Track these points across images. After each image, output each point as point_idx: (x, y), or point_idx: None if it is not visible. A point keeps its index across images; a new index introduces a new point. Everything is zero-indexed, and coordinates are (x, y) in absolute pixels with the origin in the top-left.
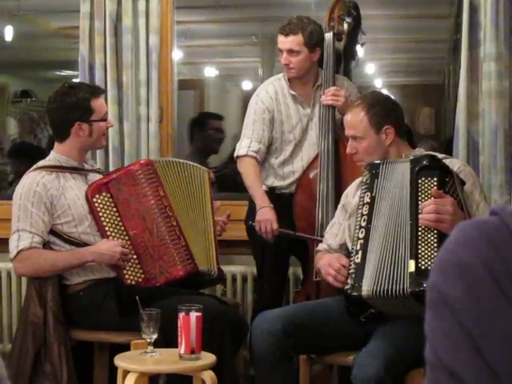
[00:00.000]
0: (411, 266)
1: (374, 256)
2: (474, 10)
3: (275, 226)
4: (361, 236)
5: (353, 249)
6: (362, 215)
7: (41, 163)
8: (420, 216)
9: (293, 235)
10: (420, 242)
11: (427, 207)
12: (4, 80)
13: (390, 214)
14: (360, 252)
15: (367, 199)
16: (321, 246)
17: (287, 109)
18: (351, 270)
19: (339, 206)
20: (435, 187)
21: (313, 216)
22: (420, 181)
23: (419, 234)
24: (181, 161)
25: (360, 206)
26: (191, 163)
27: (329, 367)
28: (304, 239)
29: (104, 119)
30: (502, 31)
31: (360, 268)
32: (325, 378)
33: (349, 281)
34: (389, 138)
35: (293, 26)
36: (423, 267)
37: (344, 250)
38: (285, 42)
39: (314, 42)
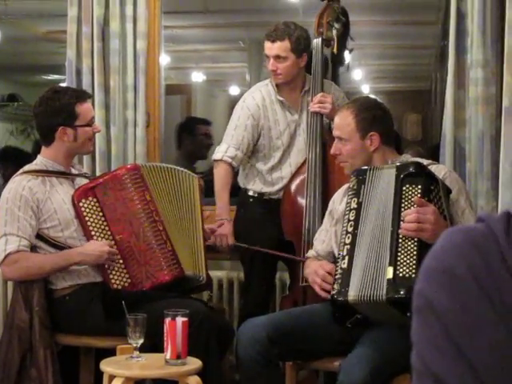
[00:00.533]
0: (389, 272)
1: (360, 262)
2: (461, 17)
3: (230, 241)
4: (347, 241)
5: (339, 254)
6: (349, 221)
7: (27, 167)
8: (401, 224)
9: (248, 248)
10: (400, 250)
11: (409, 216)
12: None
13: (376, 219)
14: (346, 257)
15: (354, 205)
16: (310, 253)
17: (275, 115)
18: (337, 276)
19: (327, 213)
20: (419, 195)
21: (300, 221)
22: (404, 188)
23: (400, 241)
24: (169, 166)
25: (347, 212)
26: (180, 169)
27: (315, 373)
28: (260, 252)
29: (89, 124)
30: (489, 38)
31: (346, 273)
32: (311, 383)
33: (335, 286)
34: (373, 145)
35: (279, 31)
36: (401, 274)
37: (331, 256)
38: (271, 48)
39: (301, 47)
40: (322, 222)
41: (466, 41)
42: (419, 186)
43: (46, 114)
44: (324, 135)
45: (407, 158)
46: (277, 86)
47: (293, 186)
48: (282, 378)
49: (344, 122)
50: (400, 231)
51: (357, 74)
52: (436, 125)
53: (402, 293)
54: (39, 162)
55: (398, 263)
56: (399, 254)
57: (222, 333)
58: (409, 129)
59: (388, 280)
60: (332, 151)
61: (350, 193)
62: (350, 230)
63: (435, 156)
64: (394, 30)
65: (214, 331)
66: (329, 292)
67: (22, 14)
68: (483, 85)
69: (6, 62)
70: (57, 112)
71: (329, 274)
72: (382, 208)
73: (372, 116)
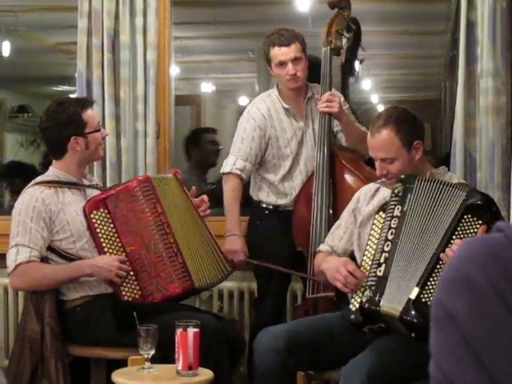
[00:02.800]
0: (413, 292)
1: (398, 273)
2: (470, 26)
3: (241, 257)
4: (386, 249)
5: (374, 259)
6: (390, 228)
7: (39, 179)
8: (446, 250)
9: (258, 264)
10: (434, 275)
11: (456, 246)
12: (1, 95)
13: (422, 233)
14: (383, 265)
15: (397, 212)
16: (322, 247)
17: (281, 123)
18: (370, 282)
19: (348, 209)
20: (476, 229)
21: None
22: (465, 216)
23: (437, 266)
24: (165, 175)
25: (388, 218)
26: (162, 175)
27: (326, 383)
28: (271, 269)
29: (97, 130)
30: (499, 47)
31: (382, 282)
32: None
33: (367, 292)
34: (418, 153)
35: (288, 35)
36: (423, 300)
37: (348, 255)
38: (288, 52)
39: (305, 47)
40: (329, 231)
41: (476, 50)
42: (480, 222)
43: (55, 128)
44: (332, 144)
45: (445, 170)
46: (280, 94)
47: (303, 196)
48: None
49: (387, 141)
50: (442, 255)
51: (366, 84)
52: (446, 134)
53: (415, 319)
54: (51, 173)
55: (426, 288)
56: (431, 279)
57: (233, 344)
58: None
59: (409, 299)
60: (378, 173)
61: (393, 198)
62: (390, 237)
63: (445, 166)
64: (403, 39)
65: (225, 342)
66: (350, 290)
67: (31, 25)
68: (493, 94)
69: (16, 74)
70: (65, 124)
71: (351, 273)
72: (433, 224)
73: (411, 125)
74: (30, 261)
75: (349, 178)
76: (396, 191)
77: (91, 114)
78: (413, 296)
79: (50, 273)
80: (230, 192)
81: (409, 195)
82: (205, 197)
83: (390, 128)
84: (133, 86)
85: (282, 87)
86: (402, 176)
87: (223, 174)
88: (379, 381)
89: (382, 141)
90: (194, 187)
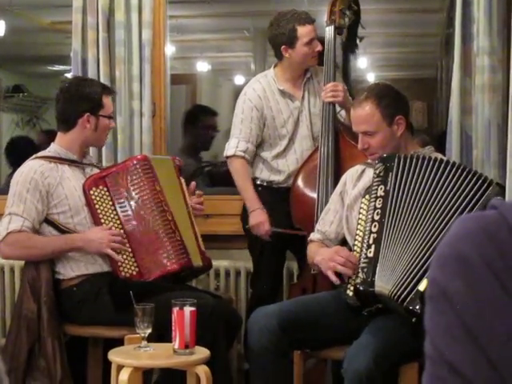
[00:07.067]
0: (423, 285)
1: (391, 254)
2: (466, 4)
3: (267, 227)
4: (374, 230)
5: (364, 241)
6: (375, 208)
7: (40, 154)
8: None
9: (284, 232)
10: None
11: None
12: None
13: (416, 216)
14: (373, 246)
15: (381, 192)
16: (314, 236)
17: (277, 104)
18: (362, 264)
19: (336, 192)
20: None
21: (310, 209)
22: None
23: None
24: (159, 156)
25: (372, 199)
26: (161, 157)
27: (323, 362)
28: (295, 235)
29: (111, 117)
30: (496, 25)
31: (373, 263)
32: (319, 372)
33: (360, 275)
34: (400, 129)
35: (305, 13)
36: None
37: (340, 240)
38: (314, 29)
39: None
40: None
41: (472, 28)
42: None
43: (74, 99)
44: (336, 123)
45: (431, 150)
46: (278, 75)
47: (303, 173)
48: (290, 366)
49: (368, 114)
50: None
51: (362, 63)
52: (442, 113)
53: (419, 309)
54: (53, 149)
55: None
56: None
57: (230, 322)
58: (414, 117)
59: (417, 291)
60: (360, 147)
61: (376, 179)
62: (376, 217)
63: (441, 144)
64: (399, 17)
65: (222, 321)
66: (341, 279)
67: (26, 4)
68: (490, 72)
69: (11, 53)
70: (85, 98)
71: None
72: (436, 205)
73: (393, 99)
74: (21, 230)
75: (353, 155)
76: (377, 172)
77: (109, 101)
78: (422, 288)
79: (41, 243)
80: (239, 172)
81: (390, 174)
82: (200, 199)
83: (370, 101)
84: (128, 65)
85: (287, 70)
86: (384, 155)
87: (227, 157)
88: (384, 361)
89: (362, 114)
90: (193, 183)
